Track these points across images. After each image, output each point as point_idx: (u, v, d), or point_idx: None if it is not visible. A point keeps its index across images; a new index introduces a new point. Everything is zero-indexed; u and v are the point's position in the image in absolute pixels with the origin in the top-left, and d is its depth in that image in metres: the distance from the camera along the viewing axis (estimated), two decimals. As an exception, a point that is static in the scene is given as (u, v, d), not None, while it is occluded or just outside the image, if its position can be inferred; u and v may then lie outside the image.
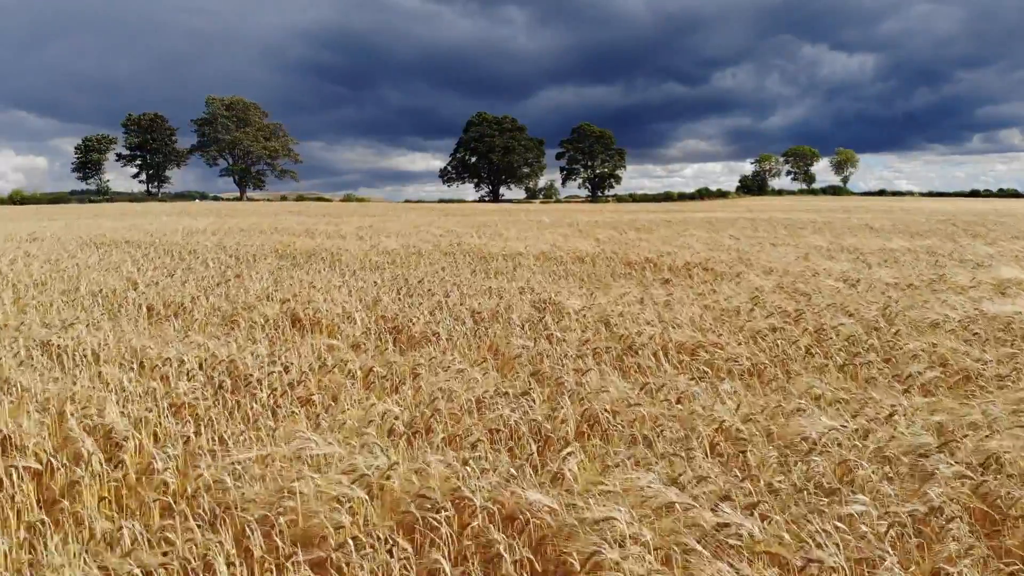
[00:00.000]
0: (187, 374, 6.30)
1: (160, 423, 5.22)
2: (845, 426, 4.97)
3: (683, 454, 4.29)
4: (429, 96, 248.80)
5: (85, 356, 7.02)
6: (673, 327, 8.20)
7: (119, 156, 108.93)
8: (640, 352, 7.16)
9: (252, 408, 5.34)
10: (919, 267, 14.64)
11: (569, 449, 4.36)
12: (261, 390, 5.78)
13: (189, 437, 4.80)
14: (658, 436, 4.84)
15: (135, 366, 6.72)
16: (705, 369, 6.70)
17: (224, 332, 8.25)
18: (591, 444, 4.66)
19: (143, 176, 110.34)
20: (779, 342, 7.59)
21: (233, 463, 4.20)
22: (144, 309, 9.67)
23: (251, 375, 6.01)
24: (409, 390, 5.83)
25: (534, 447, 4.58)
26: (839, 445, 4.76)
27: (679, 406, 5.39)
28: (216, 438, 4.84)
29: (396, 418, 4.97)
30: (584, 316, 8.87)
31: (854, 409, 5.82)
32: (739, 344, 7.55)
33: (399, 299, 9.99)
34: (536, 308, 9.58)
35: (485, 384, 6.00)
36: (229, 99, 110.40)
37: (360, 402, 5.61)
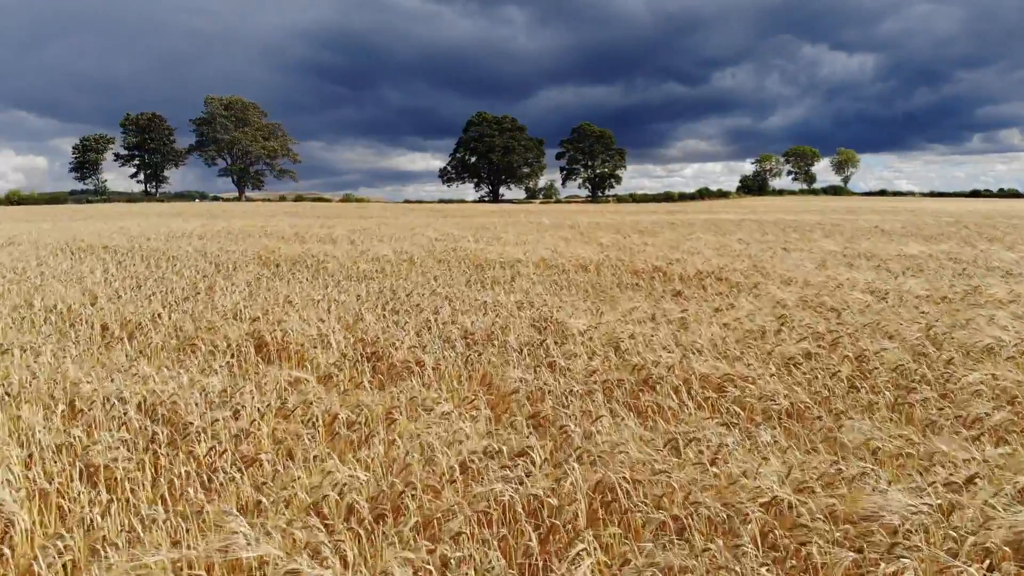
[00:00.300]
0: (119, 420, 5.23)
1: (67, 494, 4.15)
2: (928, 503, 3.90)
3: (733, 568, 3.21)
4: (429, 96, 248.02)
5: (8, 393, 5.96)
6: (693, 352, 7.13)
7: (117, 156, 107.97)
8: (658, 387, 6.10)
9: (183, 473, 4.27)
10: (946, 276, 13.57)
11: (581, 546, 3.29)
12: (200, 445, 4.71)
13: (94, 521, 3.74)
14: (693, 515, 3.78)
15: (63, 407, 5.66)
16: (736, 410, 5.63)
17: (179, 359, 7.18)
18: (608, 534, 3.59)
19: (141, 176, 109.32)
20: (817, 373, 6.52)
21: (133, 569, 3.14)
22: (98, 328, 8.61)
23: (191, 423, 4.94)
24: (381, 444, 4.76)
25: (534, 538, 3.52)
26: (926, 532, 3.70)
27: (714, 469, 4.32)
28: (128, 520, 3.77)
29: (358, 491, 3.90)
30: (590, 338, 7.80)
31: (921, 466, 4.78)
32: (771, 376, 6.48)
33: (383, 317, 8.91)
34: (536, 328, 8.52)
35: (474, 434, 4.94)
36: (228, 99, 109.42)
37: (320, 460, 4.55)
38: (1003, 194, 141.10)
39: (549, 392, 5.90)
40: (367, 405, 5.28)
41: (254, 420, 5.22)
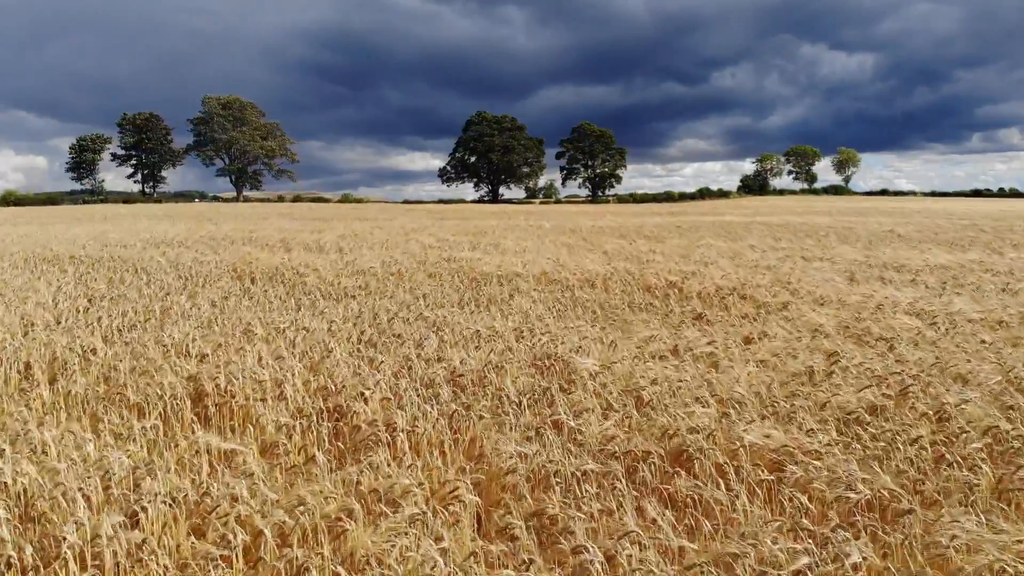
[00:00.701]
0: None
1: None
2: None
3: None
4: (428, 96, 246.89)
5: None
6: (733, 407, 5.75)
7: (114, 156, 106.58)
8: (696, 463, 4.72)
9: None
10: (991, 293, 12.18)
11: None
12: (64, 581, 3.33)
13: None
14: None
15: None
16: (802, 500, 4.26)
17: (98, 416, 5.80)
18: None
19: (138, 176, 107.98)
20: (895, 439, 5.14)
21: None
22: (21, 367, 7.23)
23: (64, 538, 3.56)
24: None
25: None
26: None
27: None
28: None
29: None
30: (603, 384, 6.41)
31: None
32: (835, 444, 5.09)
33: (357, 351, 7.53)
34: (538, 367, 7.13)
35: (453, 550, 3.57)
36: (225, 98, 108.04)
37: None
38: (1003, 194, 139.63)
39: (555, 474, 4.52)
40: (309, 505, 3.89)
41: (159, 525, 3.84)
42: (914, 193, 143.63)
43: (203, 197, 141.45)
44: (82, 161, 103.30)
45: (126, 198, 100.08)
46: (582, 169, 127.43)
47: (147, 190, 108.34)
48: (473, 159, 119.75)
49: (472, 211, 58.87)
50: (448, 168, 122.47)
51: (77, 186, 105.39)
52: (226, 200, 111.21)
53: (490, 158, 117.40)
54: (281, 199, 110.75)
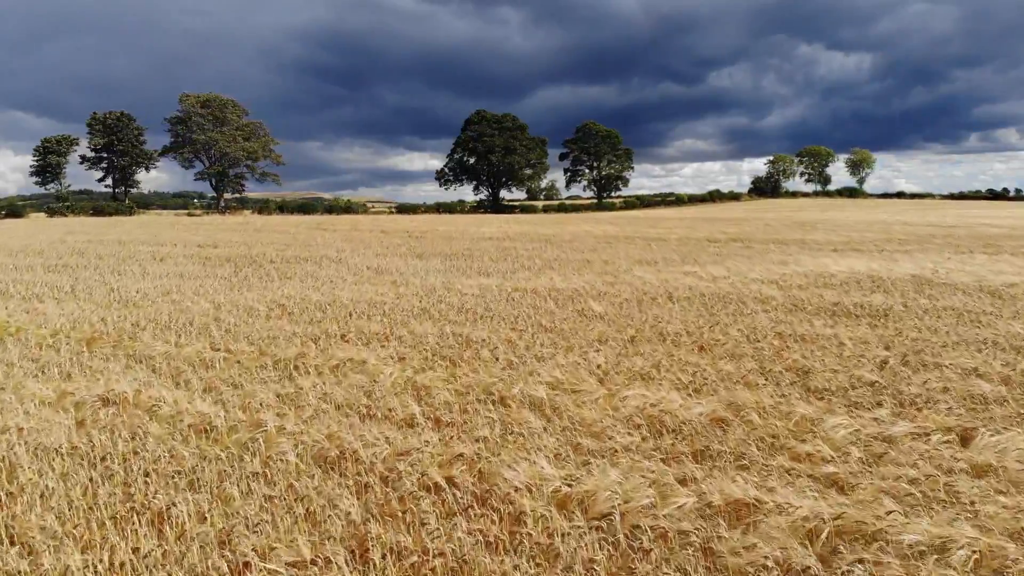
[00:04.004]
0: None
1: None
2: None
3: None
4: (426, 96, 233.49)
5: None
6: None
7: (83, 158, 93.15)
8: None
9: None
10: None
11: None
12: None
13: None
14: None
15: None
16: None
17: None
18: None
19: (109, 181, 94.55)
20: None
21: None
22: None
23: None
24: None
25: None
26: None
27: None
28: None
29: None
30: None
31: None
32: None
33: None
34: None
35: None
36: (204, 96, 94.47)
37: None
38: (1004, 195, 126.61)
39: None
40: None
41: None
42: (931, 195, 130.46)
43: (201, 198, 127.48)
44: (47, 164, 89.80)
45: (94, 206, 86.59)
46: (587, 171, 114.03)
47: (119, 194, 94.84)
48: (472, 160, 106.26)
49: (466, 232, 45.04)
50: (446, 170, 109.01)
51: (72, 189, 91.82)
52: (224, 204, 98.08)
53: (490, 159, 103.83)
54: (267, 202, 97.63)
